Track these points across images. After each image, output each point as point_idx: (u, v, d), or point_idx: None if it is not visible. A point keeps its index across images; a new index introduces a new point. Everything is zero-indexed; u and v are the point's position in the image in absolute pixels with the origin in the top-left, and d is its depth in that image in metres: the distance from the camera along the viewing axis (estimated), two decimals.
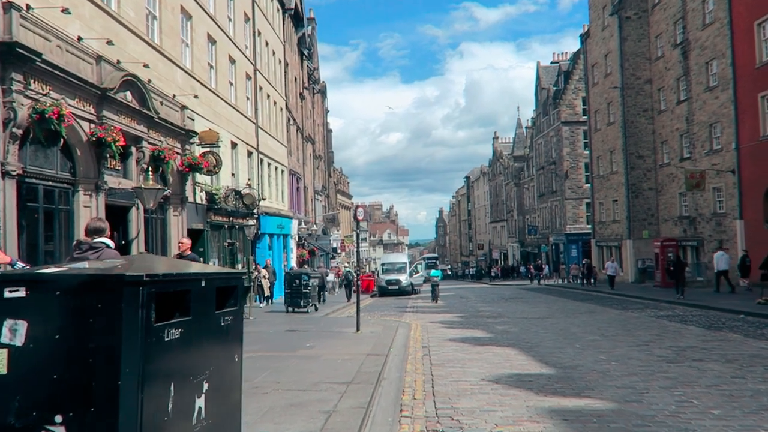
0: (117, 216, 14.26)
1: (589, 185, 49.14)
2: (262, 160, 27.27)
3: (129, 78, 13.68)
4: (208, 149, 18.38)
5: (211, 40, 20.83)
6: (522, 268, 57.70)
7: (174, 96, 16.93)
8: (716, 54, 27.88)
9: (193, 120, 18.19)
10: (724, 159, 27.43)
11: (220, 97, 21.37)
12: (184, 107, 17.32)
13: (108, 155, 12.63)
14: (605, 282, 31.76)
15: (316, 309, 19.83)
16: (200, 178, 19.02)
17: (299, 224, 34.05)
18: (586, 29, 45.84)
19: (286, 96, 33.37)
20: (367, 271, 62.48)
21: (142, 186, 13.49)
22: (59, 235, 11.84)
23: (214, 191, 19.61)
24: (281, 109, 32.04)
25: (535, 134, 61.79)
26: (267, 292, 20.34)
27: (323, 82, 54.93)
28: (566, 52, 60.78)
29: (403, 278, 34.68)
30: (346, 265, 33.15)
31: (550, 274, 44.15)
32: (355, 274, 29.79)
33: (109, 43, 12.69)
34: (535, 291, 33.44)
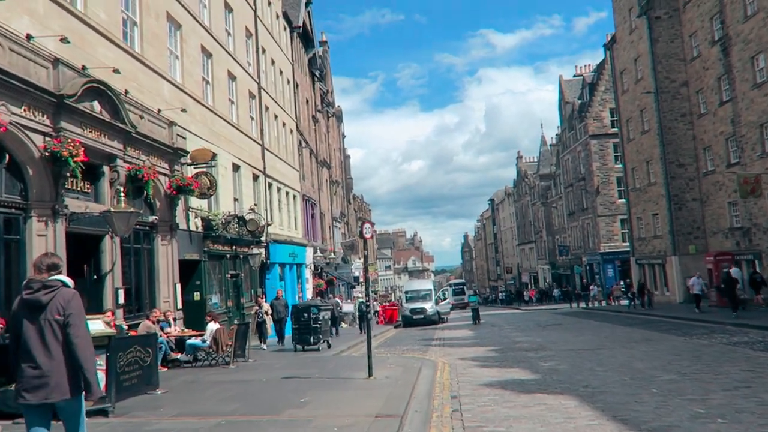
0: (86, 246, 12.23)
1: (622, 200, 46.28)
2: (270, 185, 25.32)
3: (96, 86, 11.77)
4: (201, 170, 16.39)
5: (206, 53, 19.07)
6: (556, 291, 54.38)
7: (159, 111, 15.03)
8: (763, 47, 25.27)
9: (184, 138, 16.27)
10: None
11: (218, 115, 19.52)
12: (172, 123, 15.42)
13: (67, 174, 10.63)
14: (659, 304, 28.73)
15: (329, 346, 17.45)
16: (195, 202, 17.02)
17: (315, 252, 31.88)
18: (609, 38, 43.58)
19: (296, 118, 31.60)
20: (393, 299, 59.75)
21: (112, 210, 11.45)
22: (5, 269, 9.78)
23: (211, 217, 17.56)
24: (291, 131, 30.23)
25: (561, 151, 59.15)
26: (269, 331, 17.86)
27: (338, 106, 53.42)
28: (589, 65, 58.52)
29: (429, 306, 32.08)
30: (359, 294, 30.67)
31: (596, 296, 40.29)
32: (360, 305, 27.34)
33: (64, 40, 10.81)
34: (573, 316, 30.51)
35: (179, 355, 13.21)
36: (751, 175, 25.03)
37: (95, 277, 12.35)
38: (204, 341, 13.13)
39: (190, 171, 16.48)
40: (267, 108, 25.64)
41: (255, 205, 23.12)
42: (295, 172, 30.36)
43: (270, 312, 17.85)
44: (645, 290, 29.42)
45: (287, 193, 28.25)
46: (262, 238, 22.88)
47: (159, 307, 14.82)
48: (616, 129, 46.46)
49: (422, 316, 31.41)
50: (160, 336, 12.62)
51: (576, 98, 54.42)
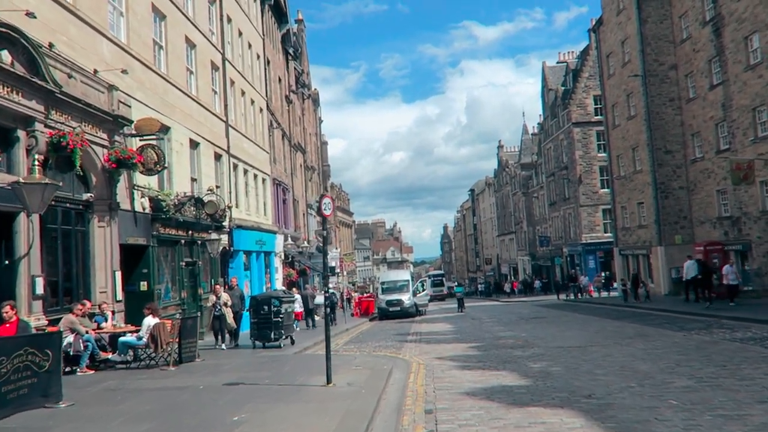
0: None
1: (605, 190, 45.15)
2: (236, 166, 23.37)
3: (4, 31, 9.79)
4: (149, 142, 14.44)
5: (158, 14, 17.03)
6: (537, 282, 53.19)
7: (96, 72, 13.04)
8: (758, 26, 23.97)
9: (129, 107, 14.29)
10: None
11: (172, 84, 17.53)
12: (112, 87, 13.44)
13: None
14: (651, 296, 27.38)
15: (292, 342, 15.67)
16: (142, 180, 15.06)
17: (286, 240, 30.01)
18: (595, 22, 42.30)
19: (267, 96, 29.59)
20: (371, 290, 58.09)
21: (21, 181, 9.53)
22: None
23: (161, 197, 15.62)
24: (261, 109, 28.23)
25: (543, 139, 57.90)
26: (232, 325, 15.09)
27: (315, 89, 51.32)
28: (573, 51, 57.11)
29: (406, 298, 30.45)
30: (331, 286, 28.91)
31: (587, 286, 38.52)
32: (331, 296, 25.18)
33: None
34: (556, 308, 29.17)
35: (110, 355, 11.35)
36: (743, 160, 23.81)
37: (6, 262, 10.41)
38: (140, 338, 11.28)
39: (137, 144, 14.53)
40: (233, 82, 23.62)
41: (217, 186, 21.17)
42: (265, 154, 28.40)
43: (230, 303, 15.61)
44: (639, 282, 27.89)
45: (255, 176, 26.30)
46: (225, 223, 20.96)
47: (95, 299, 12.94)
48: (600, 117, 45.22)
49: (399, 309, 29.78)
50: (87, 332, 10.76)
51: (559, 85, 53.11)
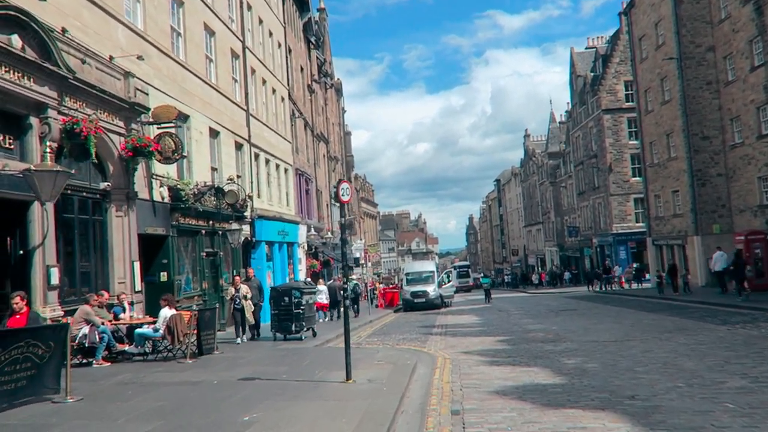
0: (9, 214, 10.04)
1: (637, 178, 43.79)
2: (257, 155, 23.02)
3: (14, 14, 9.48)
4: (166, 130, 14.11)
5: (176, 0, 16.66)
6: (567, 274, 51.98)
7: (111, 58, 12.72)
8: None
9: (146, 94, 13.98)
10: None
11: (191, 72, 17.18)
12: (129, 74, 13.11)
13: None
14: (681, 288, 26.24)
15: (314, 334, 15.26)
16: (160, 169, 14.76)
17: (309, 231, 29.66)
18: (624, 6, 40.86)
19: (289, 85, 29.18)
20: (396, 282, 57.62)
21: (32, 168, 9.23)
22: None
23: (180, 186, 15.30)
24: (283, 98, 27.83)
25: (571, 127, 56.44)
26: (250, 319, 14.50)
27: (338, 79, 50.84)
28: (602, 36, 55.52)
29: (431, 289, 29.84)
30: (354, 277, 28.36)
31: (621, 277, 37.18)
32: (355, 287, 24.80)
33: None
34: (587, 300, 28.28)
35: (127, 347, 11.05)
36: None
37: (21, 252, 10.17)
38: (156, 330, 10.96)
39: (154, 132, 14.22)
40: (253, 71, 23.23)
41: (238, 176, 20.85)
42: (287, 143, 28.03)
43: (250, 295, 14.87)
44: (677, 272, 26.66)
45: (277, 166, 25.95)
46: (246, 213, 20.64)
47: (113, 289, 12.69)
48: (631, 103, 43.81)
49: (424, 300, 29.21)
50: (103, 324, 10.47)
51: (588, 71, 51.61)
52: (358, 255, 46.48)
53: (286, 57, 29.19)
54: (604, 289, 35.64)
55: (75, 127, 10.58)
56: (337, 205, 40.12)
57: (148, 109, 13.84)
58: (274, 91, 26.22)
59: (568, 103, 59.32)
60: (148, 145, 12.82)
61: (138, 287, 13.34)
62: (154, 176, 14.62)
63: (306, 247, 29.22)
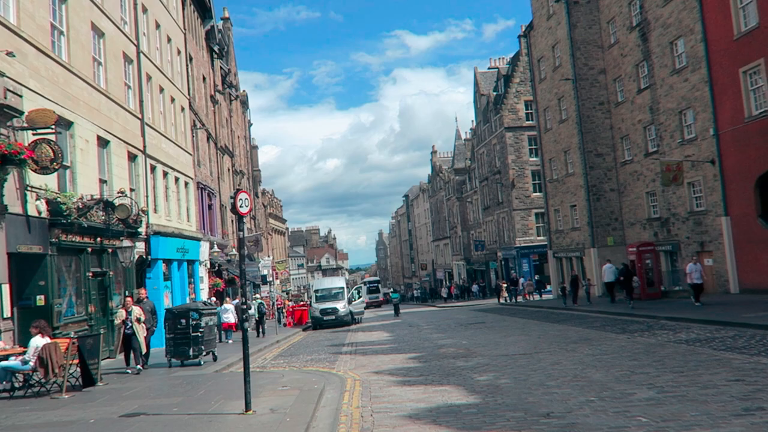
0: None
1: (538, 194, 45.78)
2: (154, 168, 21.48)
3: None
4: (41, 136, 12.62)
5: None
6: (475, 287, 53.17)
7: None
8: (682, 31, 24.56)
9: (20, 96, 12.46)
10: (701, 148, 23.92)
11: (75, 75, 15.64)
12: None
13: None
14: (580, 298, 27.29)
15: (215, 358, 14.17)
16: (36, 180, 13.19)
17: (211, 247, 28.14)
18: (524, 28, 42.86)
19: (190, 95, 27.71)
20: (306, 299, 56.38)
21: None
22: None
23: (60, 199, 13.75)
24: (183, 108, 26.34)
25: (476, 144, 58.29)
26: (143, 347, 12.98)
27: (244, 91, 49.35)
28: (504, 58, 57.94)
29: (341, 306, 29.22)
30: (257, 296, 27.27)
31: (526, 288, 38.27)
32: (259, 306, 23.98)
33: None
34: (494, 312, 28.80)
35: None
36: (673, 162, 24.21)
37: None
38: (25, 362, 9.55)
39: (29, 139, 12.68)
40: (149, 77, 21.74)
41: (132, 189, 19.32)
42: (188, 155, 26.51)
43: (143, 318, 13.40)
44: (579, 284, 27.69)
45: (177, 179, 24.40)
46: (141, 229, 19.11)
47: None
48: (531, 122, 45.90)
49: (334, 317, 28.53)
50: None
51: (491, 90, 53.59)
52: (265, 272, 45.07)
53: (187, 65, 27.74)
54: (512, 300, 36.56)
55: None
56: (244, 221, 38.53)
57: (22, 113, 12.33)
58: (173, 99, 24.73)
59: (472, 120, 61.35)
60: (20, 152, 11.37)
61: (7, 313, 11.72)
62: (29, 188, 13.03)
63: (209, 265, 27.68)
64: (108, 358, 15.20)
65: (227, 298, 25.07)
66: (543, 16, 35.51)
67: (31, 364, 9.48)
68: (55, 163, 12.61)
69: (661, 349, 11.04)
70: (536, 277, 43.07)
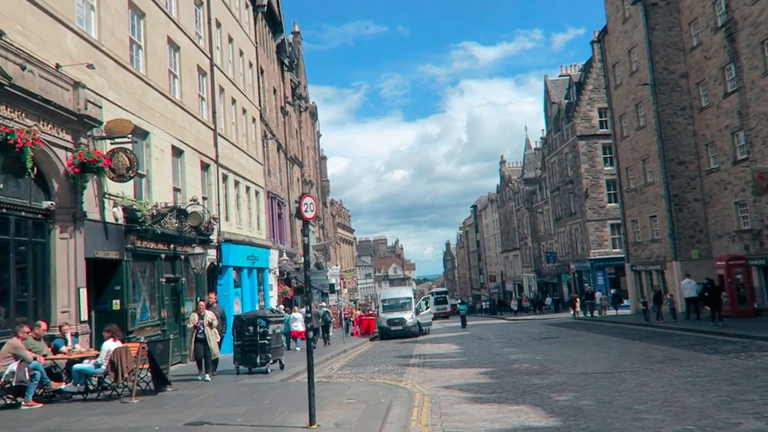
0: None
1: (613, 204, 43.75)
2: (226, 177, 21.95)
3: None
4: (118, 145, 13.03)
5: (136, 10, 15.75)
6: (548, 300, 51.30)
7: (58, 66, 11.68)
8: None
9: (99, 107, 12.94)
10: None
11: (152, 87, 16.17)
12: (78, 85, 12.07)
13: None
14: (661, 313, 25.56)
15: (282, 366, 14.07)
16: (114, 188, 13.64)
17: (280, 256, 28.48)
18: (597, 34, 41.28)
19: (261, 106, 28.31)
20: (373, 308, 56.36)
21: None
22: None
23: (136, 207, 14.15)
24: (254, 119, 26.91)
25: (547, 153, 56.57)
26: (215, 352, 12.66)
27: (313, 102, 50.21)
28: (575, 65, 56.13)
29: (408, 316, 28.78)
30: (323, 304, 27.20)
31: (602, 303, 36.37)
32: (325, 315, 24.04)
33: None
34: (568, 327, 27.49)
35: (63, 385, 9.77)
36: (766, 169, 22.34)
37: None
38: (98, 365, 9.72)
39: (107, 148, 13.12)
40: (222, 89, 22.31)
41: (205, 198, 19.78)
42: (259, 165, 27.01)
43: (215, 324, 13.03)
44: (662, 299, 25.92)
45: (248, 188, 24.87)
46: (212, 237, 19.49)
47: (54, 319, 11.41)
48: (605, 129, 44.03)
49: (401, 328, 28.12)
50: (36, 359, 9.21)
51: (562, 98, 51.98)
52: (333, 281, 45.32)
53: (258, 77, 28.37)
54: (591, 314, 34.80)
55: (9, 137, 9.47)
56: (313, 230, 38.83)
57: (101, 123, 12.78)
58: (244, 111, 25.30)
59: (543, 130, 59.70)
60: (98, 160, 11.73)
61: (84, 317, 12.08)
62: (107, 195, 13.48)
63: (278, 273, 28.00)
64: (179, 363, 15.44)
65: (295, 307, 25.26)
66: (618, 19, 33.98)
67: (103, 367, 9.63)
68: (131, 171, 12.97)
69: (765, 374, 9.93)
70: (612, 291, 41.08)
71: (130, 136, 13.10)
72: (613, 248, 44.14)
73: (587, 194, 45.16)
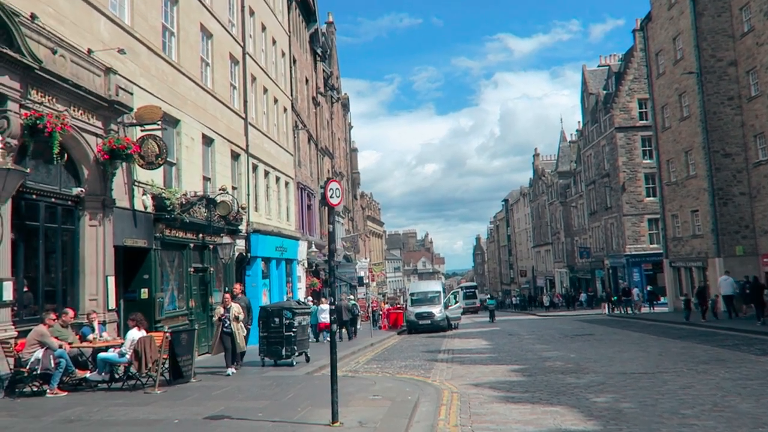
0: None
1: (651, 198, 42.44)
2: (256, 167, 21.85)
3: None
4: (148, 132, 12.94)
5: None
6: (583, 296, 50.10)
7: (90, 51, 11.61)
8: None
9: (131, 94, 12.88)
10: None
11: (183, 74, 16.08)
12: (110, 70, 12.00)
13: None
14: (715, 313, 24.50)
15: (307, 359, 13.86)
16: (143, 175, 13.58)
17: (309, 247, 28.35)
18: (639, 23, 39.88)
19: (292, 96, 28.14)
20: (402, 302, 56.11)
21: None
22: None
23: (165, 195, 14.08)
24: (285, 109, 26.76)
25: (582, 146, 55.21)
26: (242, 345, 12.24)
27: (345, 94, 49.95)
28: (615, 55, 54.49)
29: (437, 311, 28.35)
30: (351, 297, 26.85)
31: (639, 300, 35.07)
32: (353, 307, 23.84)
33: None
34: (603, 324, 26.70)
35: (88, 374, 9.71)
36: None
37: None
38: (122, 354, 9.62)
39: (137, 135, 13.06)
40: (254, 78, 22.18)
41: (234, 188, 19.71)
42: (289, 156, 26.88)
43: (242, 317, 12.41)
44: (707, 297, 24.40)
45: (278, 179, 24.77)
46: (241, 227, 19.42)
47: (83, 307, 11.40)
48: (645, 121, 42.68)
49: (429, 322, 27.73)
50: (61, 347, 9.15)
51: (601, 89, 50.53)
52: (362, 274, 45.13)
53: (291, 67, 28.20)
54: (625, 312, 33.77)
55: (38, 122, 9.41)
56: (343, 223, 38.10)
57: (131, 109, 12.70)
58: (276, 100, 25.16)
59: (579, 122, 58.23)
60: (127, 147, 11.63)
61: (112, 305, 12.04)
62: (136, 183, 13.43)
63: (306, 265, 27.90)
64: (206, 353, 15.39)
65: (323, 299, 25.09)
66: (663, 5, 32.68)
67: (128, 357, 9.53)
68: (160, 159, 12.86)
69: None
70: (648, 288, 39.89)
71: (159, 123, 13.00)
72: (650, 244, 42.84)
73: (624, 188, 43.87)
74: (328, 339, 21.51)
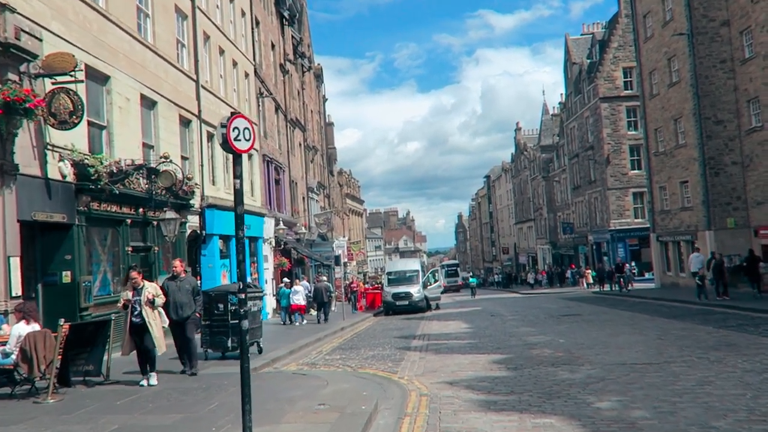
0: None
1: (636, 171, 41.07)
2: (211, 136, 19.70)
3: None
4: (61, 86, 10.80)
5: None
6: (569, 272, 48.78)
7: None
8: None
9: (39, 39, 10.72)
10: None
11: (113, 22, 13.85)
12: (5, 7, 9.80)
13: None
14: (690, 288, 23.17)
15: (260, 350, 12.03)
16: (60, 138, 11.45)
17: (277, 224, 26.34)
18: None
19: (256, 61, 25.86)
20: (383, 281, 54.38)
21: None
22: None
23: (89, 162, 11.98)
24: (247, 74, 24.51)
25: (565, 118, 53.56)
26: (159, 345, 8.84)
27: (318, 64, 47.53)
28: (599, 23, 52.55)
29: (415, 291, 26.65)
30: (324, 278, 25.03)
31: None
32: (331, 287, 22.40)
33: None
34: (590, 303, 25.26)
35: None
36: None
37: None
38: (6, 354, 7.66)
39: (46, 86, 10.92)
40: (207, 36, 19.92)
41: (184, 158, 17.62)
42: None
43: (160, 302, 9.18)
44: (724, 271, 20.85)
45: None
46: (194, 201, 17.39)
47: None
48: (630, 91, 41.09)
49: (407, 303, 26.03)
50: None
51: (584, 58, 48.73)
52: (339, 253, 43.31)
53: (252, 28, 25.87)
54: (619, 288, 32.01)
55: None
56: (317, 200, 35.90)
57: (36, 56, 10.53)
58: (235, 63, 22.91)
59: (561, 94, 56.53)
60: (26, 99, 9.52)
61: (17, 291, 10.02)
62: (50, 147, 11.31)
63: (273, 243, 25.93)
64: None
65: (296, 280, 23.27)
66: None
67: (13, 356, 7.58)
68: (74, 117, 10.76)
69: None
70: (632, 263, 38.64)
71: (73, 73, 10.84)
72: (635, 218, 41.57)
73: (609, 160, 42.36)
74: (304, 321, 20.07)
